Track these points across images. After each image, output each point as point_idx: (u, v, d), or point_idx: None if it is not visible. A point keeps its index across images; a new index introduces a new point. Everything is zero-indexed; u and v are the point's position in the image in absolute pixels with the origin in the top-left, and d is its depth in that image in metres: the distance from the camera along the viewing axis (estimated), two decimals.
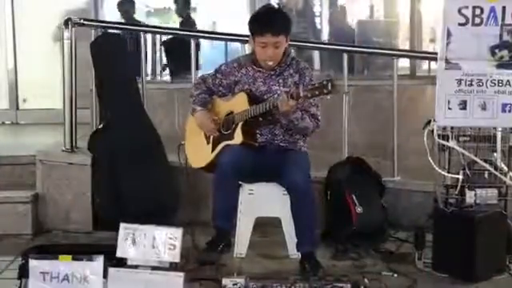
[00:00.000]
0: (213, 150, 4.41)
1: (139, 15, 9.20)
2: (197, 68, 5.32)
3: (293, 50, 5.25)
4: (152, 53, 7.89)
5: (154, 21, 9.55)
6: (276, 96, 4.19)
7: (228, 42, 6.74)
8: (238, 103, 4.32)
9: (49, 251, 3.60)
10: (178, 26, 8.71)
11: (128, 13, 8.42)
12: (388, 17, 8.07)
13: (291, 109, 4.01)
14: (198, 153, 4.51)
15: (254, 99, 4.26)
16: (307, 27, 8.18)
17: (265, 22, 4.21)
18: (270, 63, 4.27)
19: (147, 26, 7.84)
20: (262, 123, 4.26)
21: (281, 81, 4.32)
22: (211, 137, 4.46)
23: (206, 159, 4.42)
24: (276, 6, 4.45)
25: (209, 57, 8.39)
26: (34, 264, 3.40)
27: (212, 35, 6.85)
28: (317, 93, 3.88)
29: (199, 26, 8.38)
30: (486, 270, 4.03)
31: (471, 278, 3.97)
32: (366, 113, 6.02)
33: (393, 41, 7.71)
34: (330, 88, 3.83)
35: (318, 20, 8.39)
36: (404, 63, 6.64)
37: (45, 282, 3.39)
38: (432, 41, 7.21)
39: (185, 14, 8.59)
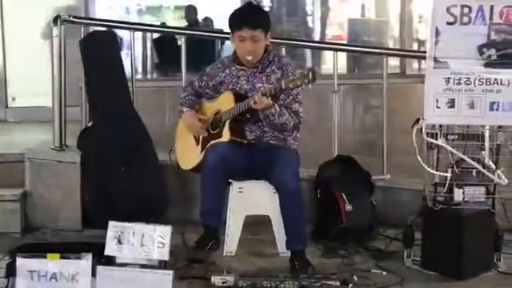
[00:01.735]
0: (202, 151, 4.41)
1: (132, 13, 9.20)
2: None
3: (284, 49, 5.26)
4: (142, 51, 7.86)
5: (146, 19, 9.55)
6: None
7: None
8: (225, 102, 4.34)
9: (37, 249, 3.57)
10: (170, 23, 8.73)
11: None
12: (378, 16, 8.09)
13: (267, 106, 4.04)
14: (188, 154, 4.52)
15: (239, 97, 4.28)
16: (299, 25, 8.21)
17: (242, 15, 4.30)
18: (249, 58, 4.28)
19: (137, 23, 7.83)
20: (250, 120, 4.27)
21: (264, 78, 4.33)
22: (200, 138, 4.47)
23: (195, 160, 4.43)
24: (255, 2, 4.50)
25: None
26: (21, 262, 3.38)
27: (202, 33, 6.87)
28: (299, 83, 3.91)
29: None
30: (474, 267, 4.05)
31: (459, 275, 3.99)
32: (356, 111, 6.04)
33: (383, 40, 7.73)
34: (310, 77, 3.86)
35: (309, 19, 8.42)
36: (394, 62, 6.68)
37: (33, 281, 3.36)
38: (418, 41, 7.24)
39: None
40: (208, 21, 8.83)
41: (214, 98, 4.48)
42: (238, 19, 4.28)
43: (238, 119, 4.26)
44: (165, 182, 4.95)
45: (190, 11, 8.90)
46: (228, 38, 4.57)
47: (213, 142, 4.33)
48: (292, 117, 4.22)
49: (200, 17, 8.85)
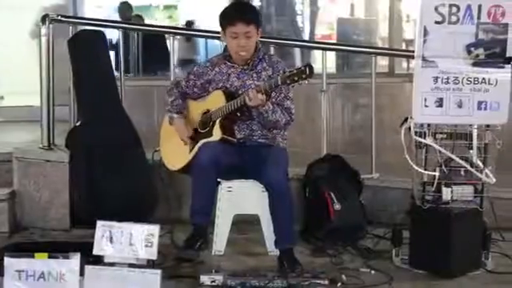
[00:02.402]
0: (191, 150, 4.41)
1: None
2: None
3: (273, 48, 5.27)
4: (131, 50, 7.85)
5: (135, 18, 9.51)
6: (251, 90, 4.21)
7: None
8: (214, 101, 4.34)
9: (25, 249, 3.57)
10: (159, 23, 8.71)
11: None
12: (367, 15, 8.11)
13: (261, 103, 4.05)
14: (175, 155, 4.51)
15: (229, 95, 4.28)
16: (289, 25, 8.22)
17: (235, 12, 4.30)
18: (243, 53, 4.29)
19: (125, 22, 7.82)
20: (240, 118, 4.27)
21: (254, 75, 4.34)
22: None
23: (183, 161, 4.42)
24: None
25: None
26: (9, 262, 3.36)
27: (191, 32, 6.87)
28: (296, 78, 3.94)
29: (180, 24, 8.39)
30: (462, 265, 4.06)
31: (447, 273, 4.00)
32: (345, 110, 6.05)
33: (372, 39, 7.75)
34: (308, 72, 3.89)
35: (299, 18, 8.42)
36: (383, 61, 6.69)
37: (20, 281, 3.35)
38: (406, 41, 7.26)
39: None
40: (192, 25, 8.77)
41: (202, 97, 4.48)
42: (232, 15, 4.27)
43: (228, 118, 4.26)
44: (154, 181, 4.94)
45: (124, 8, 8.73)
46: (217, 38, 4.57)
47: (204, 140, 4.32)
48: (284, 114, 4.23)
49: (184, 20, 8.82)
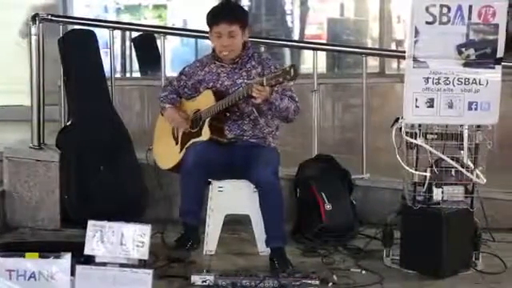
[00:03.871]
0: (181, 150, 4.41)
1: (110, 11, 9.14)
2: None
3: (263, 48, 5.27)
4: (122, 49, 7.82)
5: (124, 18, 9.48)
6: (241, 89, 4.20)
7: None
8: (204, 101, 4.35)
9: (15, 249, 3.56)
10: (148, 22, 8.66)
11: None
12: (358, 15, 8.11)
13: (267, 94, 4.01)
14: (167, 154, 4.52)
15: (219, 95, 4.29)
16: (278, 24, 8.20)
17: (219, 11, 4.32)
18: (225, 53, 4.29)
19: (116, 22, 7.79)
20: (229, 118, 4.27)
21: (244, 73, 4.34)
22: (179, 137, 4.47)
23: (174, 160, 4.43)
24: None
25: (180, 55, 8.38)
26: None
27: (182, 32, 6.84)
28: (280, 79, 3.93)
29: (170, 23, 8.35)
30: (453, 265, 4.07)
31: (438, 273, 4.01)
32: (336, 110, 6.06)
33: (362, 39, 7.75)
34: (292, 74, 3.88)
35: (289, 18, 8.41)
36: (374, 61, 6.70)
37: (11, 280, 3.32)
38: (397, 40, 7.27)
39: None
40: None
41: (193, 97, 4.48)
42: (216, 15, 4.30)
43: (217, 117, 4.26)
44: (143, 182, 4.93)
45: None
46: (207, 38, 4.57)
47: (193, 140, 4.33)
48: (290, 101, 4.21)
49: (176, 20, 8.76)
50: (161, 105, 4.55)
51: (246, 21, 4.36)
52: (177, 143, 4.48)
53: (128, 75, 7.86)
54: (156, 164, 4.64)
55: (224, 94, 4.28)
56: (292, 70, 3.88)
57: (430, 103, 4.03)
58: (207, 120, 4.29)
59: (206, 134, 4.28)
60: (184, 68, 4.58)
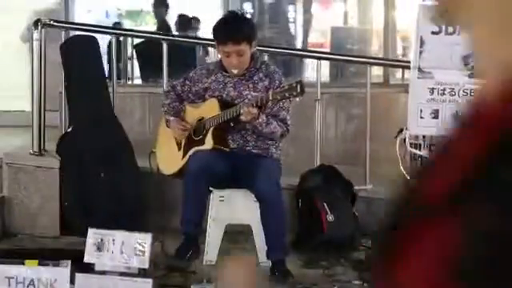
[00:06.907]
0: (183, 157, 4.40)
1: (111, 17, 9.15)
2: None
3: (266, 56, 5.26)
4: (123, 56, 7.82)
5: (126, 23, 9.50)
6: (247, 101, 4.19)
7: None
8: (209, 109, 4.33)
9: (15, 256, 3.55)
10: (150, 28, 8.67)
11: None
12: (362, 24, 8.11)
13: (254, 116, 4.03)
14: (169, 159, 4.52)
15: (224, 104, 4.27)
16: (281, 33, 8.21)
17: (225, 31, 4.23)
18: (235, 71, 4.28)
19: (118, 28, 7.79)
20: (233, 128, 4.26)
21: (251, 85, 4.32)
22: (182, 143, 4.46)
23: (176, 166, 4.43)
24: (239, 12, 4.45)
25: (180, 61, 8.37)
26: None
27: (185, 39, 6.84)
28: (287, 95, 3.93)
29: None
30: None
31: None
32: (339, 120, 6.04)
33: (366, 48, 7.75)
34: (299, 90, 3.87)
35: (292, 26, 8.42)
36: (377, 71, 6.68)
37: (10, 287, 3.33)
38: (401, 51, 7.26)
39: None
40: (196, 21, 8.65)
41: (197, 103, 4.46)
42: (222, 34, 4.24)
43: (221, 127, 4.25)
44: (144, 188, 4.92)
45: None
46: (212, 45, 4.55)
47: (196, 148, 4.31)
48: (280, 125, 4.21)
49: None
50: (165, 116, 4.52)
51: (254, 34, 4.30)
52: (179, 149, 4.48)
53: (129, 82, 7.86)
54: (158, 170, 4.61)
55: (229, 104, 4.26)
56: (298, 86, 3.87)
57: (435, 114, 4.02)
58: (211, 129, 4.28)
59: (209, 142, 4.27)
60: (189, 73, 4.54)
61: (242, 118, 4.06)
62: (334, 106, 6.03)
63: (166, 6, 8.09)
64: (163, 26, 7.96)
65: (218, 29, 4.31)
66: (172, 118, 4.47)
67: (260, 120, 4.10)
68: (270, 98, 3.97)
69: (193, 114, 4.46)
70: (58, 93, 5.39)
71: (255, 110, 4.01)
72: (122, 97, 5.56)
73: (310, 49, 7.70)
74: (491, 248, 0.55)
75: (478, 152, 0.59)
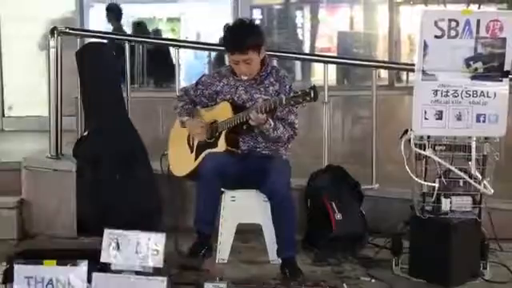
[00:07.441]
0: (196, 158, 4.48)
1: (125, 24, 9.24)
2: None
3: (275, 61, 5.32)
4: (136, 62, 7.92)
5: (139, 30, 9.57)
6: (258, 103, 4.28)
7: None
8: (222, 112, 4.40)
9: (33, 256, 3.61)
10: (163, 35, 8.75)
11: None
12: (367, 29, 8.16)
13: (262, 121, 4.12)
14: (181, 161, 4.58)
15: (237, 108, 4.35)
16: (289, 38, 8.27)
17: (233, 40, 4.29)
18: (245, 78, 4.36)
19: (132, 35, 7.88)
20: (245, 131, 4.33)
21: (262, 89, 4.40)
22: (194, 145, 4.53)
23: (188, 167, 4.49)
24: (246, 20, 4.47)
25: (192, 67, 8.45)
26: (18, 269, 3.42)
27: (195, 45, 6.92)
28: (300, 100, 3.99)
29: (183, 36, 8.43)
30: (461, 275, 4.12)
31: (446, 282, 4.06)
32: (346, 122, 6.10)
33: (372, 52, 7.80)
34: (312, 95, 3.94)
35: (299, 31, 8.47)
36: (383, 74, 6.75)
37: (29, 287, 3.40)
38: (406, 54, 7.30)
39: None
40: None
41: (210, 106, 4.54)
42: (229, 44, 4.31)
43: (234, 130, 4.33)
44: (159, 191, 4.97)
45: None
46: (222, 50, 4.62)
47: (208, 151, 4.40)
48: (287, 129, 4.29)
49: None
50: (179, 118, 4.58)
51: (261, 41, 4.34)
52: (192, 151, 4.54)
53: (143, 87, 7.94)
54: (169, 173, 4.68)
55: (241, 108, 4.33)
56: (312, 92, 3.95)
57: (439, 115, 4.08)
58: (224, 132, 4.36)
59: (221, 145, 4.35)
60: (201, 77, 4.62)
61: (251, 122, 4.16)
62: (341, 109, 6.09)
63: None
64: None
65: (225, 38, 4.39)
66: (186, 118, 4.54)
67: (267, 126, 4.18)
68: (284, 102, 4.03)
69: (206, 117, 4.52)
70: (74, 98, 5.48)
71: (263, 116, 4.09)
72: (136, 101, 5.63)
73: (317, 53, 7.76)
74: None
75: None
